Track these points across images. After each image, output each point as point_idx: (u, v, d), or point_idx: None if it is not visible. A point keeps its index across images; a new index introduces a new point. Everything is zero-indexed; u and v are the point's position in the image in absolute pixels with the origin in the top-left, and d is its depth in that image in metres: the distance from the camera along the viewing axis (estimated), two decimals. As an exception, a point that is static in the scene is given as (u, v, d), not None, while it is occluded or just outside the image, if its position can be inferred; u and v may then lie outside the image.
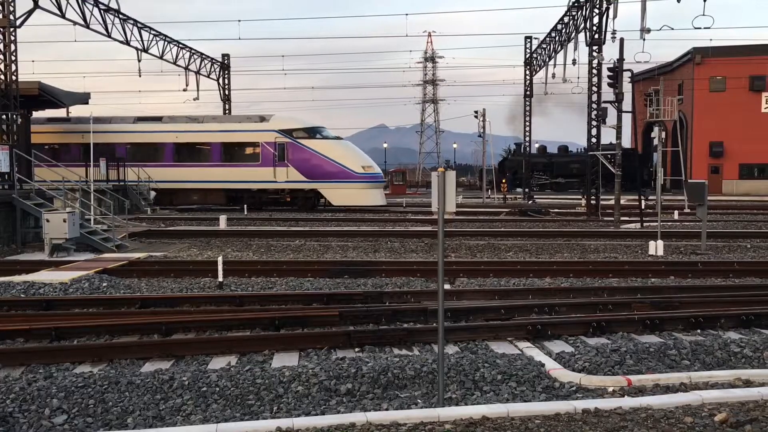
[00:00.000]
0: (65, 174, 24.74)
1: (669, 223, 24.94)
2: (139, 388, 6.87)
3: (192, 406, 6.62)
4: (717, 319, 9.42)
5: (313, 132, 33.34)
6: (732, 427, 5.75)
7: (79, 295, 11.79)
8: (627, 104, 27.16)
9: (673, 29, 26.80)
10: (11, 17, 21.74)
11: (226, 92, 43.64)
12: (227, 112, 43.07)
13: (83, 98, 31.84)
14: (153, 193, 33.02)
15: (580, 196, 38.79)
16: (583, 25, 30.51)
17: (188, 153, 34.10)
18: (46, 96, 26.73)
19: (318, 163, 32.19)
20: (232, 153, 33.72)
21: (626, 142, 43.67)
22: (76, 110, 38.69)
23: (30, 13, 23.08)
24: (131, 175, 32.63)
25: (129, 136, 34.05)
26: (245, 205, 32.86)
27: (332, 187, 32.28)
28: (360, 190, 32.71)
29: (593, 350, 8.09)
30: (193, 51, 39.44)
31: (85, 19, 27.44)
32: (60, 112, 38.77)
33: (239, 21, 45.46)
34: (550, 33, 36.70)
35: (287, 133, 32.78)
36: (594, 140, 29.79)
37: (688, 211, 30.15)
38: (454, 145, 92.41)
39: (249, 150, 33.60)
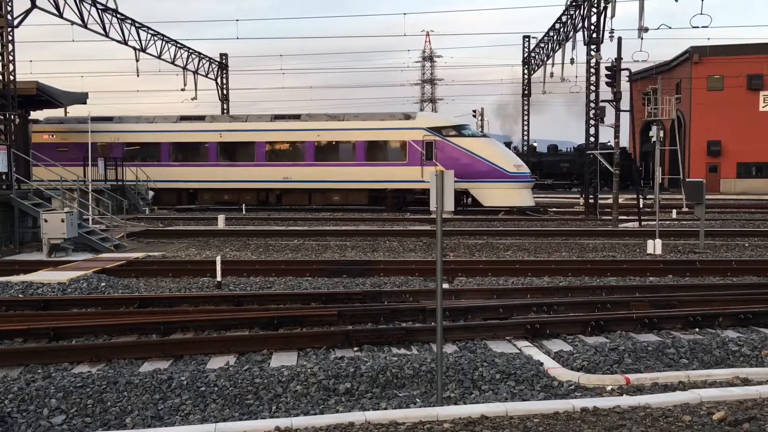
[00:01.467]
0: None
1: (667, 222, 24.98)
2: (138, 388, 6.86)
3: (191, 406, 6.62)
4: (715, 317, 9.44)
5: (460, 129, 31.95)
6: (730, 425, 5.76)
7: (78, 295, 11.78)
8: (625, 103, 27.19)
9: (671, 28, 26.89)
10: (9, 17, 21.71)
11: (225, 92, 43.62)
12: (225, 111, 43.03)
13: (81, 98, 31.80)
14: (151, 193, 32.98)
15: (578, 195, 38.71)
16: (581, 25, 30.54)
17: (330, 152, 32.98)
18: (43, 96, 26.68)
19: (469, 162, 30.41)
20: (377, 152, 32.44)
21: (624, 141, 43.75)
22: (74, 110, 38.73)
23: (27, 12, 23.05)
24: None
25: (266, 135, 33.07)
26: (243, 206, 32.84)
27: (484, 188, 30.51)
28: (512, 191, 30.90)
29: (592, 349, 8.10)
30: (191, 50, 39.42)
31: (82, 19, 27.42)
32: (65, 113, 38.90)
33: (237, 20, 45.48)
34: (548, 32, 36.73)
35: (436, 130, 31.38)
36: (592, 139, 29.83)
37: (686, 209, 30.18)
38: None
39: (395, 149, 32.30)
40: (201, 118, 34.51)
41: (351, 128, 32.67)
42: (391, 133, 32.22)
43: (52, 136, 34.02)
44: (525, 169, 31.88)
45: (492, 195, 30.73)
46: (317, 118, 33.70)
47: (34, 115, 34.60)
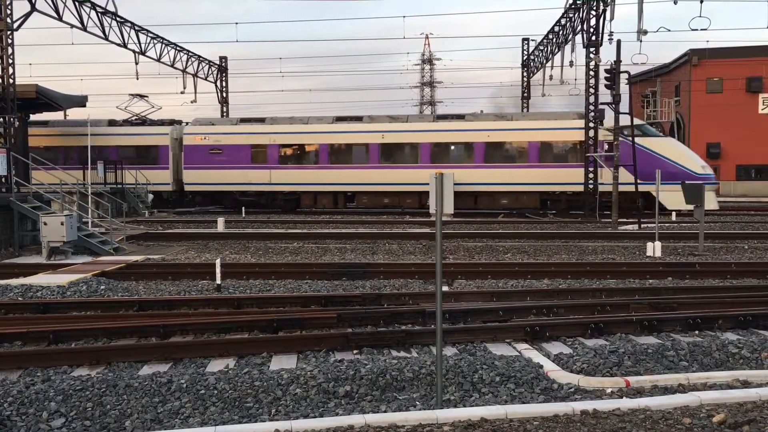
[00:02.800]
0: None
1: (666, 225, 24.99)
2: (137, 391, 6.86)
3: (190, 409, 6.61)
4: (715, 320, 9.44)
5: (641, 128, 30.18)
6: (730, 428, 5.76)
7: (77, 297, 11.78)
8: (624, 106, 27.21)
9: (669, 31, 26.84)
10: (8, 20, 21.72)
11: (224, 95, 43.62)
12: (225, 114, 43.03)
13: (80, 101, 31.86)
14: (150, 196, 32.98)
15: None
16: (580, 27, 30.57)
17: (499, 153, 31.74)
18: (43, 99, 26.73)
19: (653, 164, 28.05)
20: (549, 153, 31.06)
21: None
22: (73, 113, 38.72)
23: (27, 16, 23.05)
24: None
25: (431, 135, 32.10)
26: (243, 207, 32.82)
27: (669, 190, 27.90)
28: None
29: (591, 351, 8.10)
30: (190, 53, 39.42)
31: (82, 22, 27.42)
32: (64, 115, 38.76)
33: (236, 24, 45.39)
34: (547, 35, 36.76)
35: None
36: (591, 142, 29.84)
37: (686, 211, 30.16)
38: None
39: (569, 149, 30.97)
40: (358, 119, 33.66)
41: (523, 128, 31.44)
42: (566, 133, 30.91)
43: (205, 138, 33.63)
44: (710, 170, 30.68)
45: (678, 198, 27.72)
46: (484, 118, 32.87)
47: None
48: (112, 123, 35.40)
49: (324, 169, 32.94)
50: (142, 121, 35.93)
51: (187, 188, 34.17)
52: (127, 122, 35.96)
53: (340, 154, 33.05)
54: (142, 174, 33.37)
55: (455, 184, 30.94)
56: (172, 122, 35.72)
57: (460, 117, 32.94)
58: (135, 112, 36.42)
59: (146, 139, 34.74)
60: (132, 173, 32.90)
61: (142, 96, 36.71)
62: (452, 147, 32.38)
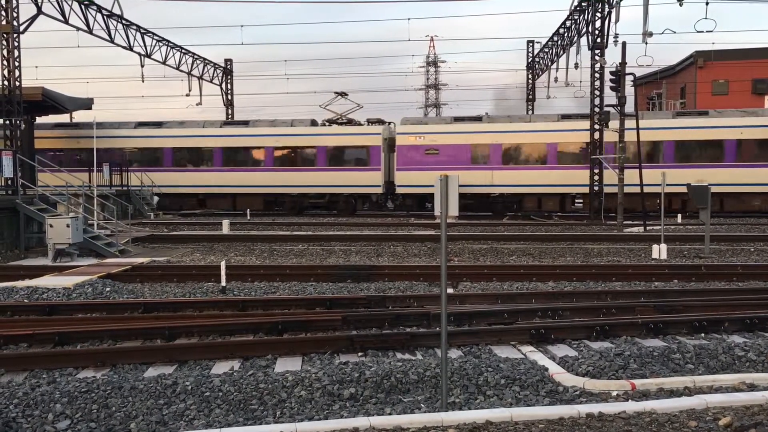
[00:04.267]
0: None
1: (672, 227, 24.91)
2: (143, 393, 6.87)
3: (195, 411, 6.61)
4: (721, 322, 9.40)
5: None
6: (736, 431, 5.73)
7: (83, 299, 11.81)
8: (629, 108, 27.14)
9: (675, 33, 26.77)
10: (14, 23, 21.82)
11: (229, 97, 43.71)
12: (230, 117, 43.12)
13: (86, 104, 31.98)
14: (156, 198, 33.05)
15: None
16: (585, 29, 30.53)
17: (696, 152, 30.42)
18: (49, 101, 26.85)
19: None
20: (753, 152, 29.79)
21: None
22: (79, 115, 38.85)
23: (33, 19, 23.17)
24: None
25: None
26: (248, 210, 32.86)
27: None
28: None
29: (597, 354, 8.08)
30: (195, 56, 39.53)
31: (88, 25, 27.54)
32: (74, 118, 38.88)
33: (242, 26, 45.51)
34: (552, 37, 36.72)
35: None
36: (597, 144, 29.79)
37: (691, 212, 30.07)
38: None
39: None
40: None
41: (723, 126, 29.96)
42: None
43: (420, 138, 32.19)
44: None
45: None
46: (661, 116, 31.47)
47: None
48: (313, 123, 34.15)
49: (550, 169, 31.31)
50: (348, 121, 34.55)
51: (399, 190, 32.31)
52: (330, 122, 34.52)
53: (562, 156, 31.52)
54: (343, 175, 32.09)
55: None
56: (380, 121, 34.09)
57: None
58: (337, 111, 34.94)
59: (355, 140, 32.90)
60: (137, 176, 32.93)
61: (344, 94, 35.37)
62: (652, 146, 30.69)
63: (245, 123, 34.60)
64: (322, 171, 32.80)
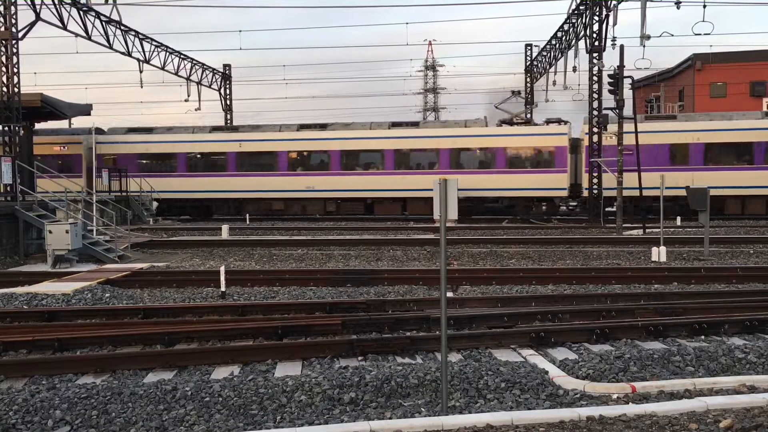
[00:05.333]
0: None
1: (671, 229, 24.92)
2: (142, 399, 6.86)
3: (195, 417, 6.60)
4: (721, 324, 9.40)
5: None
6: (737, 433, 5.72)
7: (82, 305, 11.79)
8: (628, 111, 27.19)
9: (673, 36, 26.90)
10: (13, 29, 21.84)
11: (228, 102, 43.75)
12: (229, 122, 43.14)
13: (85, 109, 31.93)
14: (155, 203, 33.04)
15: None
16: (583, 33, 30.59)
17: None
18: (48, 107, 26.80)
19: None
20: None
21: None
22: (78, 121, 38.83)
23: (32, 25, 23.17)
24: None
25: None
26: (247, 215, 32.85)
27: None
28: None
29: (597, 357, 8.07)
30: (194, 61, 39.56)
31: (86, 31, 27.56)
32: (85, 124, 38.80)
33: (240, 31, 45.57)
34: (550, 41, 36.79)
35: None
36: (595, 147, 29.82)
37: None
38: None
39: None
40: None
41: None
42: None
43: (611, 137, 31.63)
44: None
45: None
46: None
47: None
48: (500, 123, 32.72)
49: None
50: (526, 121, 33.46)
51: (587, 193, 30.63)
52: (505, 122, 32.95)
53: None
54: (523, 178, 30.56)
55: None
56: (560, 121, 32.45)
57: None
58: (511, 111, 33.68)
59: (537, 141, 31.44)
60: (140, 180, 32.88)
61: (517, 93, 34.39)
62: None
63: (415, 124, 33.70)
64: (500, 174, 31.31)
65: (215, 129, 35.06)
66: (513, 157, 31.58)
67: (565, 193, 31.40)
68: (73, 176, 31.86)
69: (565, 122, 32.30)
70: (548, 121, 32.77)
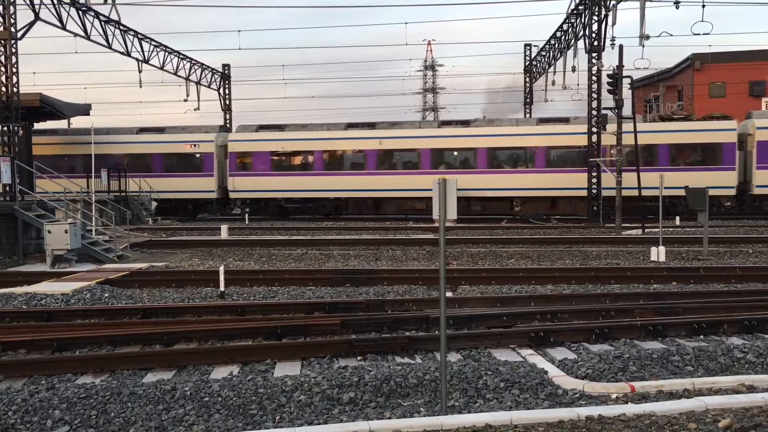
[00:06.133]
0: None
1: (671, 229, 24.92)
2: (142, 399, 6.85)
3: (194, 417, 6.60)
4: (720, 324, 9.41)
5: None
6: (736, 432, 5.73)
7: (81, 305, 11.79)
8: (627, 110, 27.20)
9: (672, 35, 26.89)
10: (12, 29, 21.83)
11: (227, 102, 43.74)
12: (228, 122, 43.14)
13: (84, 109, 31.97)
14: (154, 203, 33.03)
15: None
16: (582, 33, 30.60)
17: None
18: (47, 107, 26.82)
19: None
20: None
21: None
22: (77, 121, 38.81)
23: (31, 25, 23.16)
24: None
25: None
26: (247, 214, 32.83)
27: None
28: None
29: (596, 357, 8.08)
30: (193, 61, 39.54)
31: (85, 31, 27.54)
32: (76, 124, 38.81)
33: (239, 31, 45.53)
34: (549, 40, 36.80)
35: None
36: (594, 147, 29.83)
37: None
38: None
39: None
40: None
41: None
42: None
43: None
44: None
45: None
46: None
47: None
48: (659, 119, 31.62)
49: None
50: (685, 117, 32.26)
51: (759, 191, 29.71)
52: (665, 118, 31.88)
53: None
54: (687, 176, 28.40)
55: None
56: (724, 116, 31.16)
57: None
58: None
59: (700, 137, 30.26)
60: (135, 181, 32.86)
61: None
62: None
63: (565, 120, 32.43)
64: (670, 171, 29.20)
65: (350, 126, 33.79)
66: (677, 153, 30.46)
67: (732, 192, 30.08)
68: (203, 175, 32.75)
69: (730, 118, 31.10)
70: (710, 117, 31.54)
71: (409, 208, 32.63)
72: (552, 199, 31.56)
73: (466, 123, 33.06)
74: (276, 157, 33.50)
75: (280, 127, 34.43)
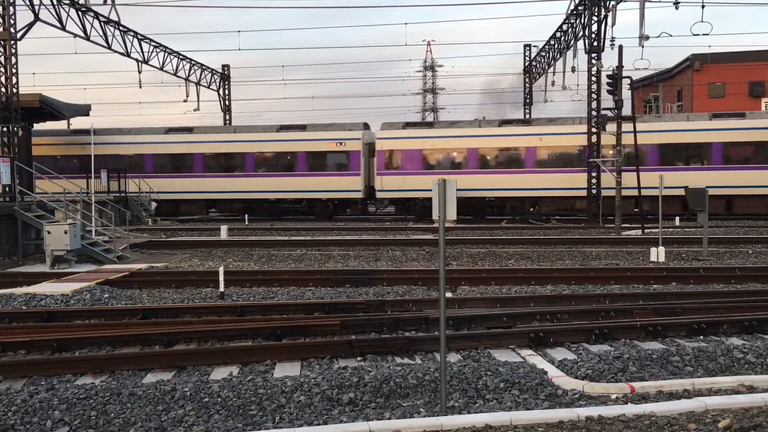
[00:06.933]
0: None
1: (670, 230, 24.92)
2: (141, 400, 6.85)
3: (194, 417, 6.60)
4: (719, 325, 9.41)
5: None
6: (736, 433, 5.73)
7: (81, 306, 11.79)
8: (626, 111, 27.20)
9: (671, 36, 26.92)
10: (12, 30, 21.84)
11: (227, 103, 43.74)
12: (227, 122, 43.12)
13: (84, 110, 31.98)
14: (154, 204, 33.01)
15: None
16: (581, 33, 30.62)
17: None
18: (47, 108, 26.84)
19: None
20: None
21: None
22: (76, 122, 38.81)
23: (30, 25, 23.17)
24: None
25: None
26: (246, 215, 32.82)
27: None
28: None
29: (596, 357, 8.08)
30: (193, 62, 39.55)
31: (85, 32, 27.55)
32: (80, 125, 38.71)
33: (239, 32, 45.46)
34: (549, 41, 36.81)
35: None
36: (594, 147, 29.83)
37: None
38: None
39: None
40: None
41: None
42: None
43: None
44: None
45: None
46: None
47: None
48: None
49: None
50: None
51: None
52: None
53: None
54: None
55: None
56: None
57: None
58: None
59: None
60: (135, 182, 32.86)
61: None
62: None
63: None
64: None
65: (504, 122, 32.73)
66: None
67: None
68: (349, 174, 32.03)
69: None
70: None
71: (567, 207, 31.49)
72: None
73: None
74: (428, 156, 32.26)
75: (429, 125, 33.89)
